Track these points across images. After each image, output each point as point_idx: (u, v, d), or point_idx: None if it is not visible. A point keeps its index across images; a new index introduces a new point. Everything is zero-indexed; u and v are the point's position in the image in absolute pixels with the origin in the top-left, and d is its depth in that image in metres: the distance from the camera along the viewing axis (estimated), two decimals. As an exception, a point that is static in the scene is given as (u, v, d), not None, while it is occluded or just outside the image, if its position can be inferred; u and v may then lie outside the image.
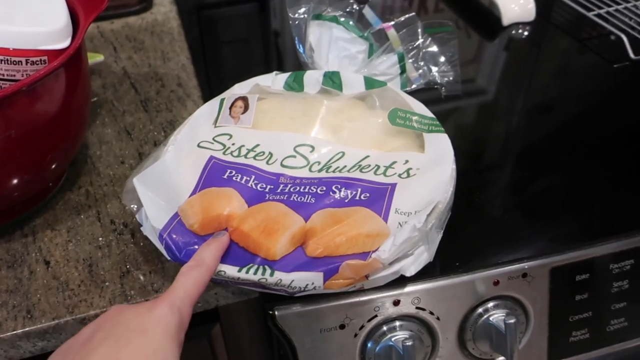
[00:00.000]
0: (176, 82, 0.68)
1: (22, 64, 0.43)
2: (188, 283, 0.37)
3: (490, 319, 0.47)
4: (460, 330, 0.47)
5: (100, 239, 0.49)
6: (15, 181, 0.46)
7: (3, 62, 0.42)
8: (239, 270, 0.41)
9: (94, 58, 0.68)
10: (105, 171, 0.56)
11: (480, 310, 0.47)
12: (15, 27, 0.42)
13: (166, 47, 0.74)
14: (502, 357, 0.48)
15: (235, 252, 0.42)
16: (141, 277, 0.46)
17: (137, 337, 0.33)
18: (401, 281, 0.44)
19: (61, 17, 0.45)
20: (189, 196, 0.45)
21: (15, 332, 0.42)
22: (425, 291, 0.45)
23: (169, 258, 0.43)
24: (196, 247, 0.41)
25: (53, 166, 0.49)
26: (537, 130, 0.62)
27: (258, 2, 0.95)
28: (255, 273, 0.41)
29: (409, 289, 0.45)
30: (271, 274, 0.40)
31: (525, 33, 0.78)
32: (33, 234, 0.50)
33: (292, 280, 0.40)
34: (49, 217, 0.51)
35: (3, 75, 0.43)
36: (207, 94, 0.65)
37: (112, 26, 0.78)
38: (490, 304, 0.47)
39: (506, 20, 0.77)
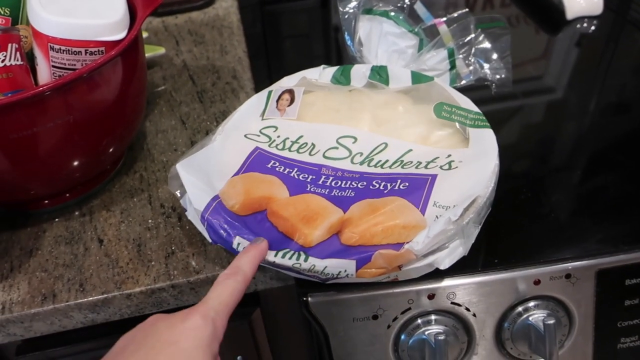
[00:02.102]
0: (231, 75, 0.70)
1: (81, 54, 0.46)
2: (224, 293, 0.36)
3: (530, 318, 0.45)
4: (497, 329, 0.46)
5: (150, 221, 0.52)
6: (75, 163, 0.50)
7: (64, 52, 0.46)
8: (275, 255, 0.42)
9: (156, 50, 0.71)
10: (159, 157, 0.59)
11: (519, 309, 0.46)
12: (76, 20, 0.45)
13: (225, 41, 0.77)
14: (541, 359, 0.47)
15: (272, 236, 0.43)
16: (184, 259, 0.48)
17: (168, 348, 0.33)
18: (437, 275, 0.43)
19: (119, 10, 0.48)
20: (231, 177, 0.47)
21: (68, 303, 0.45)
22: (461, 286, 0.45)
23: (210, 240, 0.44)
24: (232, 230, 0.43)
25: (110, 150, 0.52)
26: (590, 129, 0.59)
27: (319, -3, 0.96)
28: (290, 258, 0.41)
29: (445, 283, 0.44)
30: (305, 259, 0.41)
31: (592, 28, 0.74)
32: (90, 214, 0.53)
33: (325, 267, 0.41)
34: (106, 198, 0.55)
35: (64, 64, 0.46)
36: (261, 87, 0.67)
37: (176, 21, 0.82)
38: (531, 304, 0.46)
39: (570, 14, 0.74)
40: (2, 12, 0.50)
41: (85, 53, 0.46)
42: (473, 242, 0.42)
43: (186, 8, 0.84)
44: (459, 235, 0.41)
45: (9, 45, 0.46)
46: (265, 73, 0.75)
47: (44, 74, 0.47)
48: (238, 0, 0.86)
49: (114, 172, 0.56)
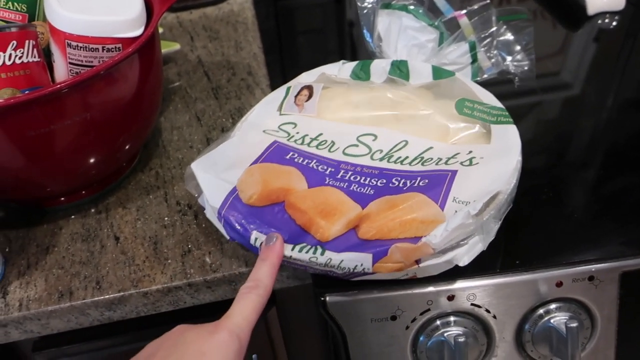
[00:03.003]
0: (247, 71, 0.70)
1: (98, 51, 0.46)
2: (247, 309, 0.37)
3: (552, 321, 0.44)
4: (518, 331, 0.46)
5: (166, 218, 0.52)
6: (91, 160, 0.49)
7: (82, 49, 0.45)
8: (292, 249, 0.41)
9: (171, 47, 0.71)
10: (175, 155, 0.58)
11: (540, 311, 0.45)
12: (93, 17, 0.45)
13: (240, 37, 0.76)
14: (563, 362, 0.46)
15: (290, 229, 0.42)
16: (201, 257, 0.48)
17: (198, 359, 0.33)
18: (456, 275, 0.43)
19: (136, 6, 0.47)
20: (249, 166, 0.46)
21: (84, 300, 0.45)
22: (481, 288, 0.44)
23: (228, 237, 0.44)
24: (249, 223, 0.42)
25: (126, 147, 0.52)
26: (618, 127, 0.58)
27: (334, -8, 0.96)
28: (307, 252, 0.41)
29: (465, 284, 0.44)
30: (322, 253, 0.41)
31: (614, 23, 0.73)
32: (106, 211, 0.53)
33: (342, 261, 0.40)
34: (122, 195, 0.54)
35: (81, 61, 0.46)
36: (277, 83, 0.67)
37: (190, 16, 0.81)
38: (552, 306, 0.45)
39: (592, 9, 0.73)
40: (19, 9, 0.50)
41: (103, 50, 0.46)
42: (493, 238, 0.41)
43: (201, 3, 0.83)
44: (478, 231, 0.41)
45: (26, 42, 0.45)
46: (280, 69, 0.74)
47: (61, 71, 0.47)
48: (255, -3, 0.86)
49: (129, 169, 0.56)
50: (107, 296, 0.46)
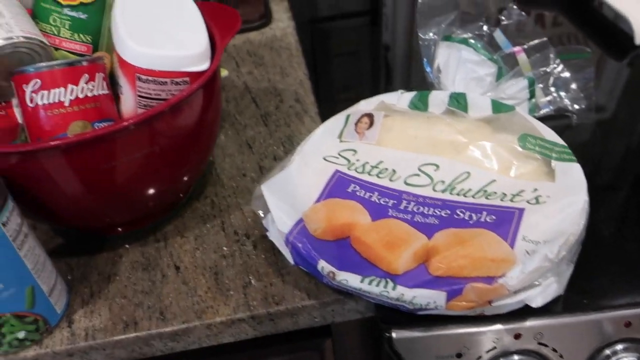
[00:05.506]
0: (294, 98, 0.70)
1: (167, 84, 0.46)
2: None
3: (619, 362, 0.44)
4: (584, 371, 0.45)
5: (225, 248, 0.52)
6: (154, 191, 0.50)
7: (151, 82, 0.46)
8: (362, 281, 0.42)
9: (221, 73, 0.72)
10: (229, 183, 0.59)
11: (607, 351, 0.44)
12: (164, 51, 0.46)
13: (284, 63, 0.77)
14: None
15: (357, 261, 0.43)
16: (263, 289, 0.48)
17: None
18: (524, 314, 0.42)
19: (202, 41, 0.48)
20: (314, 203, 0.47)
21: (149, 331, 0.46)
22: (549, 327, 0.43)
23: (292, 262, 0.45)
24: (316, 252, 0.43)
25: (186, 178, 0.52)
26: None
27: (370, 15, 0.96)
28: (377, 285, 0.41)
29: (532, 323, 0.43)
30: (393, 288, 0.41)
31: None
32: (165, 240, 0.53)
33: (414, 297, 0.40)
34: (179, 224, 0.55)
35: (150, 94, 0.47)
36: (325, 111, 0.67)
37: (234, 41, 0.82)
38: (619, 346, 0.44)
39: None
40: (84, 40, 0.51)
41: (171, 83, 0.46)
42: (567, 280, 0.41)
43: (244, 29, 0.84)
44: (552, 272, 0.41)
45: (97, 74, 0.46)
46: (325, 94, 0.74)
47: (129, 103, 0.48)
48: (295, 21, 0.86)
49: (185, 198, 0.57)
50: (172, 328, 0.46)
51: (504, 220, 0.44)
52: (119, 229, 0.54)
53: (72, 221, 0.51)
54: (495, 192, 0.47)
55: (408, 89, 0.56)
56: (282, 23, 0.86)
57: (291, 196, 0.47)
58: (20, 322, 0.43)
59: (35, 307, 0.44)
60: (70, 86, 0.44)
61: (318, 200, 0.48)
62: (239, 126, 0.66)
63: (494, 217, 0.44)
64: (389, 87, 0.78)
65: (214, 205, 0.56)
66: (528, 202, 0.45)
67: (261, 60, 0.78)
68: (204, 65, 0.48)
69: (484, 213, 0.45)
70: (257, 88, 0.73)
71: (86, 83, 0.45)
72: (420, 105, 0.54)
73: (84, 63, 0.46)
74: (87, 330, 0.46)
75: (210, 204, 0.57)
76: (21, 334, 0.44)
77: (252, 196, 0.50)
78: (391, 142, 0.53)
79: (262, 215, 0.48)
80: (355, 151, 0.52)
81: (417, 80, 0.78)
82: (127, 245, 0.53)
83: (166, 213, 0.55)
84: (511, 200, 0.46)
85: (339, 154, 0.52)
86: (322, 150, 0.52)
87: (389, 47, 0.87)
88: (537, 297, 0.40)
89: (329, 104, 0.70)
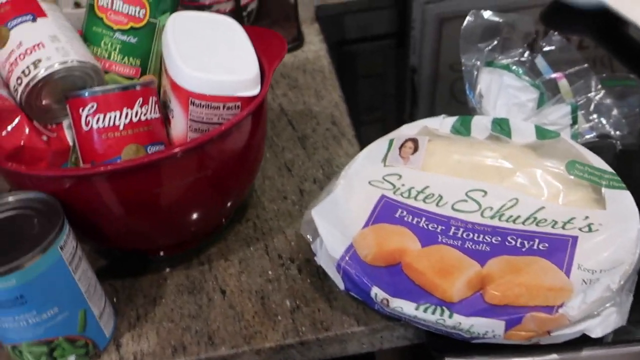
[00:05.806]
0: (330, 120, 0.70)
1: (219, 109, 0.47)
2: None
3: (677, 393, 0.43)
4: (640, 402, 0.44)
5: (270, 272, 0.52)
6: (201, 215, 0.50)
7: (204, 107, 0.46)
8: (417, 308, 0.41)
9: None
10: (270, 205, 0.59)
11: (664, 382, 0.44)
12: (217, 76, 0.46)
13: (318, 85, 0.77)
14: None
15: (411, 288, 0.43)
16: (310, 314, 0.47)
17: None
18: (580, 344, 0.42)
19: (253, 67, 0.48)
20: (362, 228, 0.47)
21: (199, 356, 0.45)
22: (604, 357, 0.43)
23: (342, 288, 0.45)
24: (369, 279, 0.43)
25: (231, 202, 0.52)
26: None
27: (397, 38, 0.97)
28: (433, 313, 0.41)
29: (588, 353, 0.43)
30: (450, 316, 0.41)
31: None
32: (209, 262, 0.53)
33: (472, 325, 0.40)
34: (222, 247, 0.55)
35: (202, 118, 0.47)
36: (361, 135, 0.67)
37: (267, 64, 0.83)
38: (676, 377, 0.44)
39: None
40: (134, 63, 0.52)
41: (223, 108, 0.47)
42: (628, 310, 0.41)
43: (276, 51, 0.85)
44: (611, 302, 0.40)
45: (150, 98, 0.47)
46: (359, 117, 0.75)
47: (180, 127, 0.48)
48: (326, 43, 0.87)
49: (228, 220, 0.57)
50: (221, 353, 0.46)
51: (557, 248, 0.44)
52: (161, 252, 0.54)
53: (117, 242, 0.52)
54: (546, 219, 0.46)
55: (433, 111, 0.56)
56: (314, 46, 0.86)
57: (340, 221, 0.47)
58: (72, 346, 0.43)
59: (87, 330, 0.44)
60: (125, 110, 0.45)
61: (366, 225, 0.48)
62: (277, 148, 0.67)
63: (546, 244, 0.44)
64: (414, 110, 0.79)
65: (256, 228, 0.56)
66: (580, 229, 0.45)
67: (295, 83, 0.78)
68: (255, 90, 0.48)
69: (536, 240, 0.45)
70: (293, 110, 0.73)
71: (140, 107, 0.46)
72: (462, 130, 0.54)
73: (138, 87, 0.46)
74: (136, 355, 0.46)
75: (253, 227, 0.57)
76: (71, 358, 0.44)
77: (292, 219, 0.50)
78: (435, 167, 0.53)
79: (310, 239, 0.48)
80: (400, 176, 0.52)
81: (443, 102, 0.79)
82: (168, 269, 0.53)
83: (209, 236, 0.55)
84: (563, 228, 0.45)
85: (384, 179, 0.52)
86: (367, 174, 0.52)
87: (416, 70, 0.88)
88: (597, 328, 0.40)
89: (355, 125, 0.70)
